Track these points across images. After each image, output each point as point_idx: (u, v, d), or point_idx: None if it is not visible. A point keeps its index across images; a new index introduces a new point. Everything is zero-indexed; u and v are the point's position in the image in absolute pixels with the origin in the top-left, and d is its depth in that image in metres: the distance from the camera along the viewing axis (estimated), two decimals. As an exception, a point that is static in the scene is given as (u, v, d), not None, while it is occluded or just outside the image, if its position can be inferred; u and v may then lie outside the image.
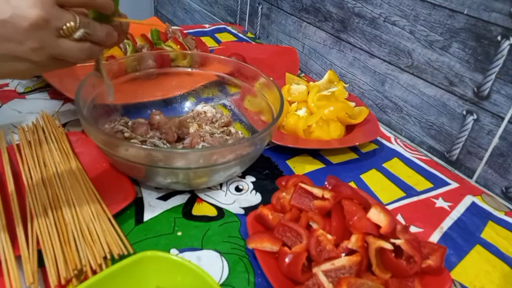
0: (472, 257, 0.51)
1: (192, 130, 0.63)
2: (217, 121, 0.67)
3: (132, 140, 0.56)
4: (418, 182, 0.63)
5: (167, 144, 0.59)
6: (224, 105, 0.72)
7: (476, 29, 0.63)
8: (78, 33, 0.39)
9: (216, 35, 1.14)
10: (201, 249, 0.47)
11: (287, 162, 0.64)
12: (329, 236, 0.44)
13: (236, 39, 1.12)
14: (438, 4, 0.67)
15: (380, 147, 0.71)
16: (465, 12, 0.63)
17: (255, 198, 0.56)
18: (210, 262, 0.46)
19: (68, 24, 0.38)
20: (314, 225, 0.47)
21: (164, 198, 0.54)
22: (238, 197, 0.56)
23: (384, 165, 0.66)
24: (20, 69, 0.38)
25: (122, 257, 0.41)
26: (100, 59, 0.48)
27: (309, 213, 0.47)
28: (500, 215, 0.58)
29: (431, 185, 0.63)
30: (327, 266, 0.41)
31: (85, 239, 0.43)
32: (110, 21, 0.43)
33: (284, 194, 0.51)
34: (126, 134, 0.57)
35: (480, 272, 0.49)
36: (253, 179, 0.59)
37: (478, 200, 0.61)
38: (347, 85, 0.75)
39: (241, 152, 0.50)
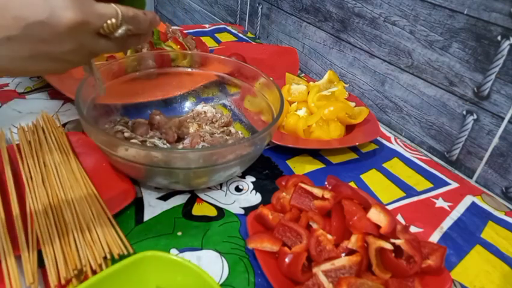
0: (472, 257, 0.51)
1: (191, 130, 0.63)
2: (217, 121, 0.67)
3: (132, 140, 0.56)
4: (418, 182, 0.63)
5: (167, 144, 0.59)
6: (224, 105, 0.72)
7: (476, 29, 0.63)
8: (120, 31, 0.35)
9: (216, 35, 1.14)
10: (201, 249, 0.47)
11: (287, 162, 0.64)
12: (329, 236, 0.44)
13: (236, 39, 1.12)
14: (438, 4, 0.67)
15: (380, 147, 0.71)
16: (465, 12, 0.63)
17: (255, 198, 0.56)
18: (210, 262, 0.46)
19: (109, 22, 0.35)
20: (314, 225, 0.47)
21: (164, 198, 0.54)
22: (238, 197, 0.56)
23: (384, 165, 0.66)
24: (56, 68, 0.36)
25: (122, 257, 0.41)
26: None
27: (309, 213, 0.47)
28: (500, 215, 0.58)
29: (431, 185, 0.63)
30: (327, 266, 0.41)
31: (85, 239, 0.43)
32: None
33: (284, 194, 0.51)
34: (126, 134, 0.57)
35: (480, 272, 0.49)
36: (253, 179, 0.59)
37: (478, 200, 0.61)
38: (347, 85, 0.75)
39: (241, 152, 0.50)
